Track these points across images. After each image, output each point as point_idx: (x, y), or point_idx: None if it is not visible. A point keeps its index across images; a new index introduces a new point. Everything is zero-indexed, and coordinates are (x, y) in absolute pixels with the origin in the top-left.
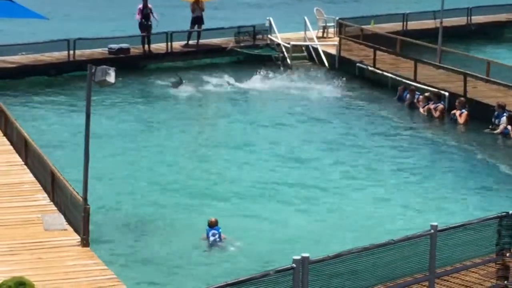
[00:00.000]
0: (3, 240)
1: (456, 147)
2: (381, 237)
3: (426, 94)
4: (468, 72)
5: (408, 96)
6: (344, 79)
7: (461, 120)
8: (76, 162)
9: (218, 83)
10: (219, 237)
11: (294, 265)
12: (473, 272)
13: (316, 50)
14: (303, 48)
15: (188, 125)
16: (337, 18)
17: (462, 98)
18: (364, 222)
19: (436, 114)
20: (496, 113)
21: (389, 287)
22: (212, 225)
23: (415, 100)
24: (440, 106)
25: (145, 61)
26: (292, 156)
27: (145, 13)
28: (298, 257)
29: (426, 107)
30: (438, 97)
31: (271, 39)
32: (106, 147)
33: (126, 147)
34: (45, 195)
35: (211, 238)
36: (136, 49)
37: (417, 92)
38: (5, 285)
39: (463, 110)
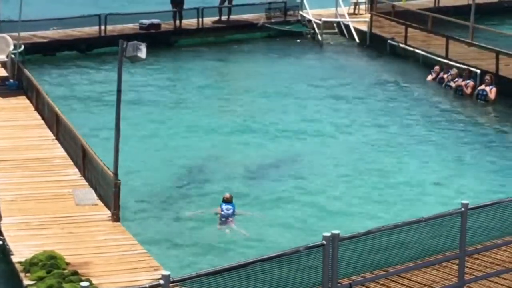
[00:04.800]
0: (34, 214)
1: (489, 126)
2: (411, 215)
3: (456, 70)
4: (501, 49)
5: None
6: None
7: (491, 96)
8: (106, 137)
9: (248, 58)
10: (233, 213)
11: (324, 241)
12: (503, 250)
13: (347, 26)
14: (334, 25)
15: (217, 101)
16: None
17: (490, 74)
18: (394, 200)
19: (468, 90)
20: None
21: (419, 265)
22: (227, 200)
23: (445, 76)
24: (471, 83)
25: (176, 37)
26: (318, 130)
27: None
28: (328, 234)
29: (457, 83)
30: (469, 74)
31: (302, 15)
32: (136, 122)
33: (156, 122)
34: (76, 170)
35: (224, 213)
36: (167, 25)
37: (449, 70)
38: (36, 258)
39: (492, 86)
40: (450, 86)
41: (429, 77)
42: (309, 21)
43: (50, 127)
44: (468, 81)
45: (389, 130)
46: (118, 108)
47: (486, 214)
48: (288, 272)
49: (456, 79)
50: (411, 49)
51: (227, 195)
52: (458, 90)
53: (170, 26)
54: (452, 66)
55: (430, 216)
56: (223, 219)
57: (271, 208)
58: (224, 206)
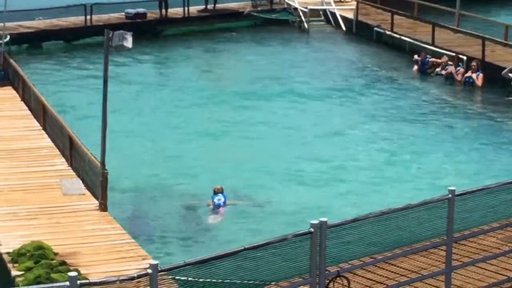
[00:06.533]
0: (22, 205)
1: (477, 113)
2: (398, 202)
3: (445, 58)
4: (487, 36)
5: (429, 62)
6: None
7: (479, 82)
8: (93, 127)
9: (235, 48)
10: (224, 203)
11: (312, 229)
12: (490, 236)
13: (333, 14)
14: (321, 13)
15: (203, 91)
16: None
17: (477, 60)
18: (382, 187)
19: (459, 77)
20: None
21: (407, 251)
22: (218, 192)
23: (439, 61)
24: (461, 69)
25: (162, 26)
26: (307, 120)
27: None
28: (316, 222)
29: (447, 71)
30: (458, 61)
31: (288, 3)
32: (123, 112)
33: (143, 112)
34: (63, 160)
35: (216, 204)
36: (153, 14)
37: (427, 56)
38: (24, 249)
39: (478, 72)
40: (441, 74)
41: (415, 67)
42: (295, 9)
43: (37, 117)
44: (458, 68)
45: (379, 118)
46: (104, 98)
47: (473, 200)
48: (276, 260)
49: (447, 67)
50: (398, 36)
51: (218, 187)
52: (449, 78)
53: (156, 15)
54: (440, 54)
55: (418, 203)
56: (215, 209)
57: (262, 197)
58: (216, 197)
